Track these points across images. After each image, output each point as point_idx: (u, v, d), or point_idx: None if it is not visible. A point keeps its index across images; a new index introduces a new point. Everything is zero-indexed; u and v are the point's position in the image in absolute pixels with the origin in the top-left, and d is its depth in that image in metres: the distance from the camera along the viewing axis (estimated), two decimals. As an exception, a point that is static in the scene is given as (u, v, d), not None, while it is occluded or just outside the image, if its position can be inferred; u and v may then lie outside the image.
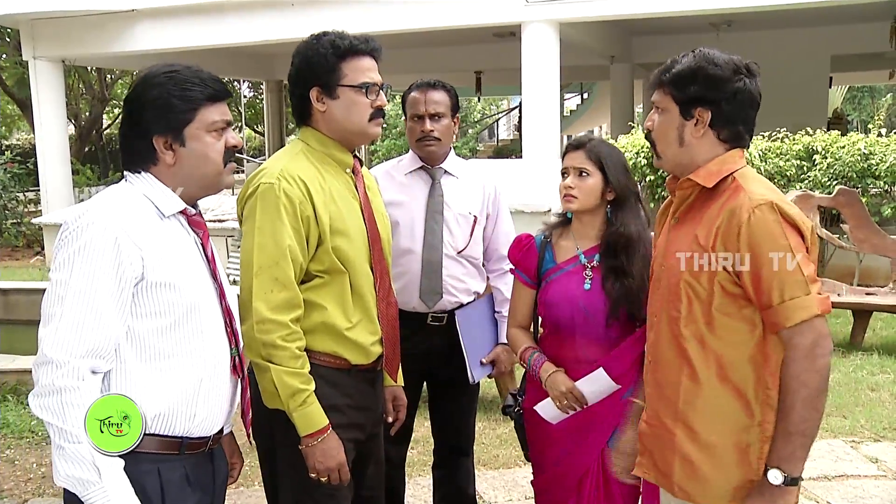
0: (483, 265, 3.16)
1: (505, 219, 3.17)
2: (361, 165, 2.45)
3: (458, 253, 3.02)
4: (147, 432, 1.80)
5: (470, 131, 27.28)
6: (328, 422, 2.21)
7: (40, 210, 12.48)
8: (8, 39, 16.06)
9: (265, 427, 2.29)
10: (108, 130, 21.31)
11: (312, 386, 2.19)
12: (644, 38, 14.03)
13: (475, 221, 3.05)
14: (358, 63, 2.29)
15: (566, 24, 9.84)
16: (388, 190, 2.92)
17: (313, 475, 2.22)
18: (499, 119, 30.34)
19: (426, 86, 2.98)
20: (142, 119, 1.88)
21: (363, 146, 12.57)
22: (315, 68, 2.27)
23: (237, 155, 2.20)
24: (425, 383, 3.20)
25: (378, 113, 2.33)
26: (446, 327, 3.00)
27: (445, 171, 3.05)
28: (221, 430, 2.03)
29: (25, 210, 13.37)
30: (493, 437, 4.65)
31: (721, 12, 10.39)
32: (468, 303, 3.05)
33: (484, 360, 3.07)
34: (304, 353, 2.20)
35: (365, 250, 2.35)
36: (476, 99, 24.78)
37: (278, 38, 10.98)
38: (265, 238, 2.16)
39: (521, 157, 10.36)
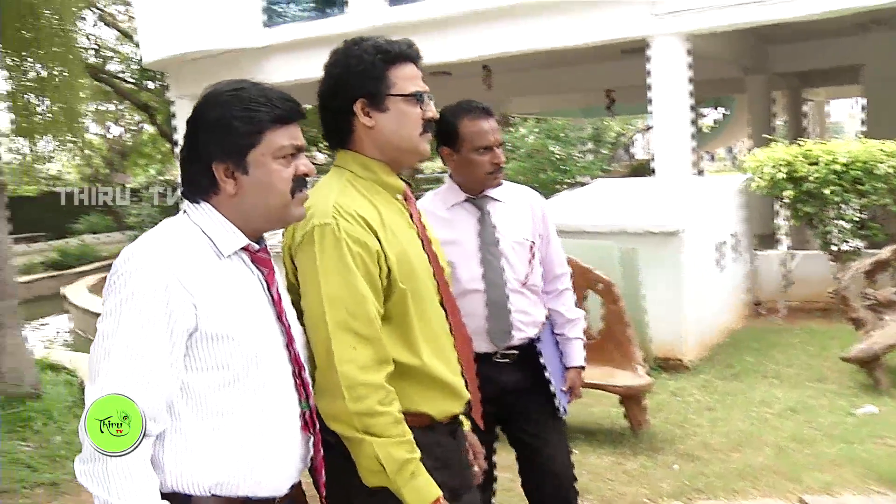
0: None
1: (555, 237, 2.94)
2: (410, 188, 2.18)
3: (521, 284, 2.78)
4: (208, 492, 1.67)
5: (604, 151, 26.77)
6: (440, 491, 1.90)
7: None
8: (156, 83, 17.19)
9: (340, 494, 1.98)
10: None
11: (418, 454, 1.88)
12: (781, 47, 13.32)
13: (532, 247, 2.82)
14: (406, 70, 2.03)
15: (696, 36, 9.49)
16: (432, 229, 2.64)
17: None
18: (635, 138, 29.85)
19: (483, 112, 2.73)
20: (200, 142, 1.70)
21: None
22: (360, 77, 2.00)
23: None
24: (502, 433, 2.91)
25: (429, 126, 2.07)
26: (516, 365, 2.78)
27: (492, 199, 2.80)
28: (292, 488, 1.84)
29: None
30: (620, 472, 4.38)
31: (866, 11, 9.60)
32: (535, 336, 2.82)
33: (564, 388, 2.87)
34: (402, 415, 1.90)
35: (433, 286, 2.08)
36: (609, 117, 24.41)
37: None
38: (334, 288, 1.86)
39: (652, 175, 10.02)
